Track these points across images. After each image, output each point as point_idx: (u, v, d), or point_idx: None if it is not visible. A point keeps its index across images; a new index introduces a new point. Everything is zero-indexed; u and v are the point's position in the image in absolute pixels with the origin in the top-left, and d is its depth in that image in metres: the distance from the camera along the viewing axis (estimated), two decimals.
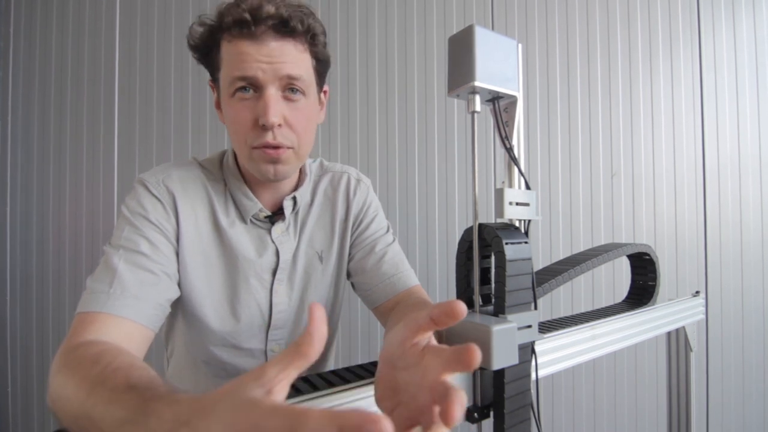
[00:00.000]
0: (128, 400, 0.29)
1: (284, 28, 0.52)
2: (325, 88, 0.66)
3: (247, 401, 0.21)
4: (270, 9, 0.51)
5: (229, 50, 0.53)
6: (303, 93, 0.56)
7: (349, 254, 0.71)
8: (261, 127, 0.54)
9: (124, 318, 0.47)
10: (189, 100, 1.44)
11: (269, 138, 0.54)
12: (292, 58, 0.54)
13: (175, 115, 1.45)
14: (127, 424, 0.27)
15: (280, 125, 0.54)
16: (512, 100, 0.45)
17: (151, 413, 0.26)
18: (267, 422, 0.19)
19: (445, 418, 0.23)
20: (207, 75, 0.62)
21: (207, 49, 0.57)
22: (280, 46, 0.53)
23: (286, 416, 0.18)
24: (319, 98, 0.64)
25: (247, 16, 0.50)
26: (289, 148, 0.56)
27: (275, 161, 0.56)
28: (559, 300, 1.39)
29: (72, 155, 1.48)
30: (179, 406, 0.25)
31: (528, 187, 0.45)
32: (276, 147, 0.55)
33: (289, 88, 0.55)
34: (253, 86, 0.54)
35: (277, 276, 0.65)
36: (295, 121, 0.56)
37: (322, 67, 0.61)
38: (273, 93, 0.53)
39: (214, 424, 0.21)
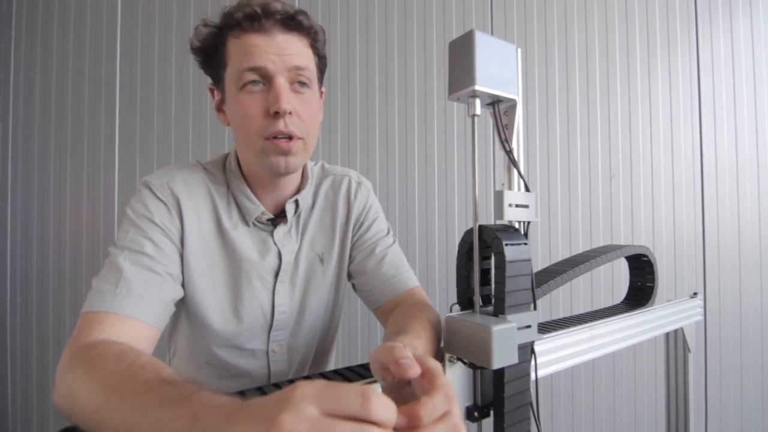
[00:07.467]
0: (166, 393, 0.30)
1: (291, 22, 0.57)
2: (323, 89, 0.68)
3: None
4: (277, 6, 0.56)
5: (237, 45, 0.56)
6: (308, 86, 0.59)
7: (350, 256, 0.72)
8: (273, 115, 0.55)
9: (131, 317, 0.48)
10: (190, 101, 1.45)
11: (281, 126, 0.55)
12: (298, 50, 0.57)
13: (176, 116, 1.45)
14: (168, 405, 0.28)
15: (290, 113, 0.56)
16: (512, 104, 0.45)
17: (196, 399, 0.28)
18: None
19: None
20: (208, 76, 0.63)
21: (213, 48, 0.59)
22: (287, 39, 0.56)
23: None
24: (319, 96, 0.66)
25: (258, 9, 0.54)
26: (299, 138, 0.58)
27: (286, 153, 0.57)
28: (558, 301, 1.39)
29: (73, 156, 1.48)
30: (224, 402, 0.27)
31: (527, 189, 0.46)
32: (288, 137, 0.56)
33: (297, 80, 0.57)
34: (262, 78, 0.56)
35: (279, 278, 0.65)
36: (303, 111, 0.58)
37: (322, 64, 0.64)
38: (283, 82, 0.56)
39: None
